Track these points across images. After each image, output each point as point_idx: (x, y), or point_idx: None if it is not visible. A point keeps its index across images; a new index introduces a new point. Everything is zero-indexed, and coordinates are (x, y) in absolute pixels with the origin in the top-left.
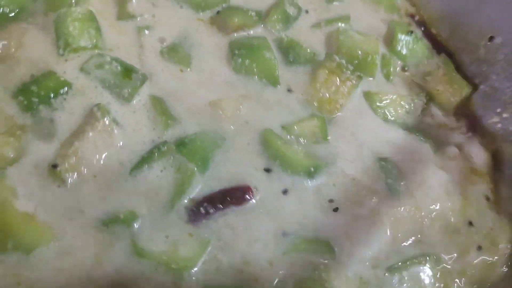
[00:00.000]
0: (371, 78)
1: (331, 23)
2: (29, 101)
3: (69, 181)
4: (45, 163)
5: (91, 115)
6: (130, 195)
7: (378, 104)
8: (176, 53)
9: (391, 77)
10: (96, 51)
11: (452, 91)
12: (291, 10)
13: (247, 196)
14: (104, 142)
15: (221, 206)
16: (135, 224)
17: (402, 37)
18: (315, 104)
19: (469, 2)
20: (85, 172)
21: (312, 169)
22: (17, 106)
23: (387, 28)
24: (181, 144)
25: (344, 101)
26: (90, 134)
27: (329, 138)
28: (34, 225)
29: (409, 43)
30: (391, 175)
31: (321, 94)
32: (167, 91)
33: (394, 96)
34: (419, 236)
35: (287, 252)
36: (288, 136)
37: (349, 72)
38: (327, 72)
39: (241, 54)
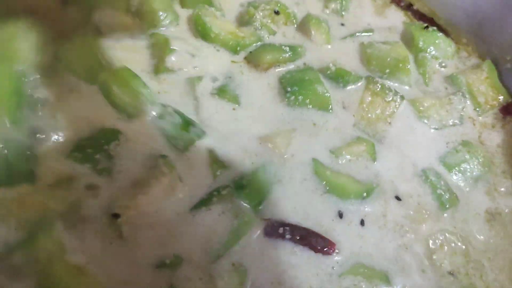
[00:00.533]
0: (407, 87)
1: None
2: (84, 153)
3: (126, 231)
4: (102, 214)
5: (156, 168)
6: (183, 241)
7: (421, 108)
8: (225, 93)
9: (428, 76)
10: (149, 106)
11: (492, 95)
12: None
13: (328, 250)
14: (167, 195)
15: (298, 239)
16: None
17: (419, 33)
18: (363, 124)
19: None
20: (143, 222)
21: (364, 194)
22: (73, 161)
23: (402, 30)
24: (239, 187)
25: (390, 120)
26: (156, 189)
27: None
28: (85, 279)
29: (429, 38)
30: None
31: (369, 115)
32: (222, 135)
33: (434, 101)
34: None
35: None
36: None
37: (391, 93)
38: (370, 93)
39: (294, 91)
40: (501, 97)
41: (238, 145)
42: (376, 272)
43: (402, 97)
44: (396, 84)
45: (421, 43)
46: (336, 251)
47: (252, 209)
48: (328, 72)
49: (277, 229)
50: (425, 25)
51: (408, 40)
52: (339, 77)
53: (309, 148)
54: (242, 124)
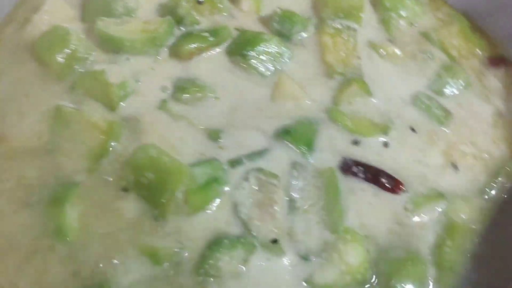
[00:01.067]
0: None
1: None
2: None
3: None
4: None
5: None
6: None
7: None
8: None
9: (393, 31)
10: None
11: (466, 47)
12: None
13: (396, 189)
14: None
15: (370, 177)
16: None
17: None
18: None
19: None
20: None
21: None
22: None
23: None
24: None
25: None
26: None
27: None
28: None
29: None
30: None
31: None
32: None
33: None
34: None
35: None
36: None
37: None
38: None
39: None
40: (478, 51)
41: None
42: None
43: (354, 30)
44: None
45: (387, 3)
46: (404, 189)
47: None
48: (275, 23)
49: (351, 167)
50: None
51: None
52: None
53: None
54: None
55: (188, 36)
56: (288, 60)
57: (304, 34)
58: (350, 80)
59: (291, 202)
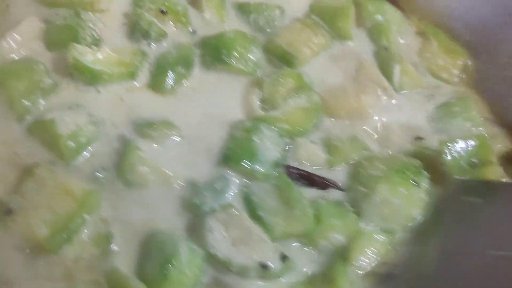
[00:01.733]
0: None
1: None
2: None
3: None
4: None
5: None
6: None
7: None
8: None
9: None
10: None
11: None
12: None
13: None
14: None
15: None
16: None
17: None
18: None
19: None
20: None
21: None
22: None
23: None
24: None
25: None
26: None
27: None
28: None
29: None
30: None
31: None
32: None
33: None
34: None
35: None
36: None
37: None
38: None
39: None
40: (459, 61)
41: None
42: None
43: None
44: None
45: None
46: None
47: None
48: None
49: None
50: None
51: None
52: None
53: None
54: None
55: (161, 71)
56: None
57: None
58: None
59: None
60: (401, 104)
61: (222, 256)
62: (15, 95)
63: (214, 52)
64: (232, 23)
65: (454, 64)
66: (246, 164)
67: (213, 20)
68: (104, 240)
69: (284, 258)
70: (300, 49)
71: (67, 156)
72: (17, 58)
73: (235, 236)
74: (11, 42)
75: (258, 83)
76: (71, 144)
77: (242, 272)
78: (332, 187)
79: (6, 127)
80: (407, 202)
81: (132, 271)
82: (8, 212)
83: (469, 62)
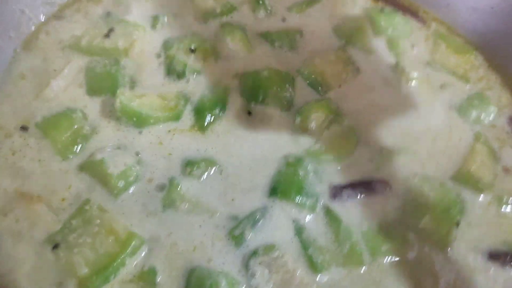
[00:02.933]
0: None
1: None
2: None
3: None
4: None
5: None
6: None
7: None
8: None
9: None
10: None
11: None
12: None
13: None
14: None
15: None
16: None
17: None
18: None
19: None
20: None
21: None
22: None
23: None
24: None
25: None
26: None
27: None
28: None
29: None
30: None
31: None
32: None
33: None
34: None
35: None
36: None
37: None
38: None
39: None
40: (471, 56)
41: None
42: None
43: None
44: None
45: (382, 22)
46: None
47: None
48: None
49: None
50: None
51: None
52: None
53: None
54: None
55: (200, 112)
56: None
57: None
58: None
59: (308, 258)
60: None
61: None
62: (58, 144)
63: (252, 92)
64: (259, 51)
65: (466, 61)
66: (293, 196)
67: (241, 52)
68: (148, 276)
69: None
70: (330, 80)
71: (116, 193)
72: (58, 104)
73: (277, 279)
74: (55, 89)
75: (292, 118)
76: (120, 182)
77: None
78: (377, 186)
79: (55, 166)
80: None
81: None
82: (56, 246)
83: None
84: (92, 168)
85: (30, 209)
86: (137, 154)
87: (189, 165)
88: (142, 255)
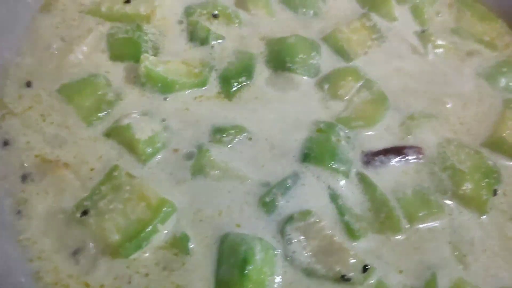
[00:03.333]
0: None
1: None
2: None
3: None
4: None
5: None
6: None
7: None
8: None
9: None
10: None
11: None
12: None
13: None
14: None
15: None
16: None
17: None
18: None
19: None
20: None
21: None
22: None
23: None
24: None
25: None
26: None
27: None
28: None
29: None
30: None
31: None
32: None
33: None
34: None
35: None
36: None
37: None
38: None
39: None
40: (496, 24)
41: None
42: None
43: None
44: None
45: None
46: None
47: None
48: None
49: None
50: None
51: None
52: None
53: None
54: None
55: (226, 79)
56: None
57: None
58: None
59: (345, 225)
60: None
61: (303, 265)
62: (82, 110)
63: (278, 59)
64: (283, 17)
65: (492, 28)
66: (327, 162)
67: (264, 19)
68: (181, 242)
69: (366, 268)
70: (356, 48)
71: (144, 159)
72: (82, 70)
73: (315, 245)
74: (79, 55)
75: (320, 85)
76: (148, 149)
77: (323, 279)
78: (410, 152)
79: (81, 133)
80: None
81: (210, 272)
82: (85, 212)
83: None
84: (119, 134)
85: (57, 176)
86: (163, 120)
87: (218, 132)
88: (174, 222)
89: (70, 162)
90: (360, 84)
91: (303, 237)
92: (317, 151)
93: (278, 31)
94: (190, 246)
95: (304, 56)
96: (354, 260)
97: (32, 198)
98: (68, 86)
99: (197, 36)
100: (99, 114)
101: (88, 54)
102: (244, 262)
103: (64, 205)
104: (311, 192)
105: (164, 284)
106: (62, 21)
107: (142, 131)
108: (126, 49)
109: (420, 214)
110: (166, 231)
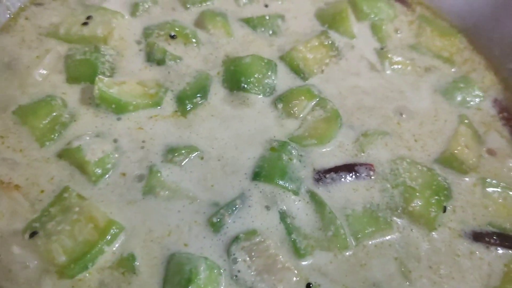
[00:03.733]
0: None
1: None
2: None
3: None
4: None
5: None
6: None
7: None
8: None
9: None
10: None
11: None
12: None
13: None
14: None
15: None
16: None
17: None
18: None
19: None
20: None
21: None
22: None
23: None
24: None
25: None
26: None
27: None
28: None
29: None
30: None
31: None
32: None
33: None
34: None
35: None
36: None
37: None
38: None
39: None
40: (456, 39)
41: None
42: None
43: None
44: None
45: (365, 7)
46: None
47: None
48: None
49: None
50: None
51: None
52: None
53: None
54: None
55: (181, 100)
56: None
57: None
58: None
59: (292, 243)
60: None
61: (247, 284)
62: (36, 131)
63: (234, 79)
64: (242, 37)
65: (451, 44)
66: (276, 180)
67: (222, 39)
68: (127, 262)
69: (309, 286)
70: (312, 66)
71: (94, 180)
72: (40, 91)
73: (260, 264)
74: (37, 77)
75: (275, 103)
76: (97, 170)
77: None
78: (361, 169)
79: (34, 155)
80: None
81: None
82: (33, 234)
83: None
84: (70, 156)
85: (9, 198)
86: (115, 141)
87: (170, 152)
88: (120, 242)
89: (22, 184)
90: (314, 102)
91: (248, 256)
92: (267, 169)
93: (237, 50)
94: (137, 265)
95: (260, 76)
96: (297, 278)
97: None
98: (24, 108)
99: (154, 57)
100: (52, 136)
101: (46, 76)
102: (188, 281)
103: (16, 227)
104: (259, 212)
105: None
106: (21, 41)
107: (93, 152)
108: (83, 70)
109: (367, 231)
110: (113, 251)
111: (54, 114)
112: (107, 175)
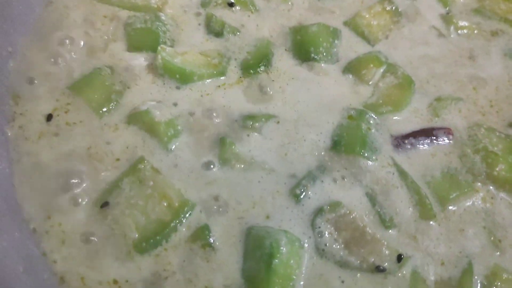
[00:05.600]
0: None
1: None
2: None
3: None
4: None
5: None
6: None
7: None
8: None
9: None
10: None
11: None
12: None
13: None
14: None
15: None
16: None
17: None
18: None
19: None
20: None
21: None
22: None
23: None
24: None
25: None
26: None
27: None
28: None
29: None
30: None
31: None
32: None
33: None
34: None
35: None
36: None
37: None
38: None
39: None
40: None
41: None
42: None
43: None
44: None
45: None
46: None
47: None
48: None
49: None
50: None
51: None
52: None
53: None
54: None
55: (245, 69)
56: None
57: None
58: None
59: (378, 214)
60: None
61: (335, 258)
62: (93, 103)
63: (302, 49)
64: (300, 2)
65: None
66: (358, 150)
67: (280, 4)
68: (203, 236)
69: (400, 257)
70: (377, 33)
71: (166, 141)
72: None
73: (347, 237)
74: (97, 44)
75: (345, 71)
76: (170, 130)
77: (356, 270)
78: (440, 133)
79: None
80: None
81: (236, 268)
82: (105, 204)
83: None
84: (139, 120)
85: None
86: (175, 105)
87: (244, 120)
88: (196, 217)
89: (99, 151)
90: (383, 69)
91: (334, 229)
92: (347, 139)
93: (296, 17)
94: (214, 241)
95: (327, 45)
96: (388, 251)
97: None
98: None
99: (212, 29)
100: (109, 105)
101: (105, 45)
102: (271, 256)
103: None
104: (340, 183)
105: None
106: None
107: (162, 114)
108: (144, 39)
109: (451, 196)
110: (188, 226)
111: (111, 83)
112: (178, 139)
